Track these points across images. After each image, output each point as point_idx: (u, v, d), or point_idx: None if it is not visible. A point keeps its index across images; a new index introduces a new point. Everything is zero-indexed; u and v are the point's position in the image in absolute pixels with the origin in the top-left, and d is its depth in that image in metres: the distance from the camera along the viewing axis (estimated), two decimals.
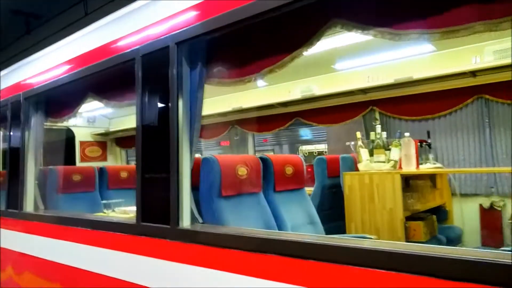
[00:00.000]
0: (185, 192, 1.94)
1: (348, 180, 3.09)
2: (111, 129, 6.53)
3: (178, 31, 1.94)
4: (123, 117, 6.60)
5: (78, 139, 6.46)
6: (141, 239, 2.05)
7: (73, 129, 6.41)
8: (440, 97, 3.64)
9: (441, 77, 3.36)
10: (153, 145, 2.06)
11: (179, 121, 1.93)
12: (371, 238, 2.46)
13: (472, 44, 3.35)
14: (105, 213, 3.38)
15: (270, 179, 2.43)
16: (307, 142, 8.79)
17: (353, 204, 3.07)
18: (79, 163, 6.35)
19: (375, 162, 3.06)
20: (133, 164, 7.13)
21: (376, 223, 2.95)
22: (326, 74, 4.31)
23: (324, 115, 4.43)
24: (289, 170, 2.55)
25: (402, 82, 3.49)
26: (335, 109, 4.31)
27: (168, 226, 1.92)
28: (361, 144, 3.19)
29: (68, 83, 2.71)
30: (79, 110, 3.03)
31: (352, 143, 3.29)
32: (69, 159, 6.19)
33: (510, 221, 3.16)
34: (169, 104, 1.95)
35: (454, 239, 3.33)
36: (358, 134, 3.26)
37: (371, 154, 3.13)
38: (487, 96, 3.44)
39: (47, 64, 3.06)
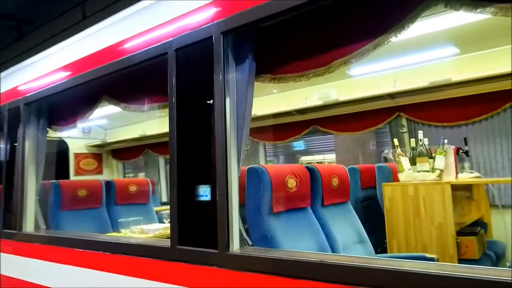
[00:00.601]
0: (235, 209, 1.62)
1: (388, 192, 2.80)
2: (108, 140, 6.16)
3: (224, 18, 1.64)
4: (120, 127, 6.25)
5: (72, 151, 6.06)
6: (178, 266, 1.71)
7: (67, 140, 6.02)
8: (475, 101, 3.42)
9: (481, 80, 3.13)
10: (193, 153, 1.74)
11: (227, 125, 1.62)
12: (433, 259, 2.16)
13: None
14: (121, 232, 3.00)
15: (318, 191, 2.13)
16: (308, 152, 8.51)
17: (395, 219, 2.77)
18: (73, 177, 5.95)
19: (418, 171, 2.78)
20: (130, 177, 6.75)
21: (423, 239, 2.66)
22: (341, 80, 4.06)
23: (344, 123, 4.16)
24: (335, 181, 2.25)
25: (437, 86, 3.25)
26: (356, 116, 4.05)
27: (216, 251, 1.59)
28: (400, 152, 2.91)
29: (78, 86, 2.38)
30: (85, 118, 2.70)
31: (391, 151, 3.01)
32: (62, 172, 5.79)
33: None
34: (214, 106, 1.64)
35: (500, 255, 3.06)
36: (396, 142, 2.99)
37: (412, 163, 2.85)
38: None
39: (50, 66, 2.71)
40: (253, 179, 1.80)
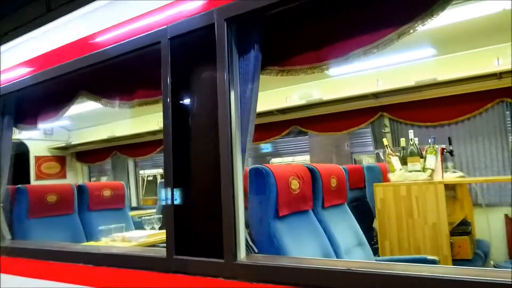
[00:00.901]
0: (241, 213, 1.48)
1: (380, 192, 2.73)
2: (72, 142, 5.80)
3: (228, 3, 1.49)
4: (84, 129, 5.91)
5: (33, 153, 5.67)
6: (177, 278, 1.54)
7: (27, 142, 5.61)
8: (459, 101, 3.44)
9: (466, 79, 3.15)
10: (193, 152, 1.57)
11: (232, 121, 1.47)
12: (434, 260, 2.10)
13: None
14: (100, 241, 2.74)
15: (319, 193, 2.01)
16: (277, 154, 8.42)
17: (387, 220, 2.71)
18: (33, 181, 5.55)
19: (410, 171, 2.73)
20: (95, 181, 6.40)
21: (416, 240, 2.60)
22: (323, 80, 4.00)
23: (326, 123, 4.10)
24: (334, 182, 2.15)
25: (422, 85, 3.24)
26: (339, 116, 4.00)
27: (222, 260, 1.43)
28: (391, 151, 2.86)
29: (52, 79, 2.14)
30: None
31: (381, 150, 2.95)
32: (21, 177, 5.38)
33: None
34: (218, 99, 1.48)
35: (486, 254, 3.07)
36: (385, 141, 2.93)
37: (403, 163, 2.80)
38: (509, 100, 3.27)
39: (18, 58, 2.45)
40: (257, 180, 1.66)
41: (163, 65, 1.65)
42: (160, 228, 2.98)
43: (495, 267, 3.08)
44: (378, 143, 3.89)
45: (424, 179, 2.68)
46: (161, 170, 6.77)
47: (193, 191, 1.57)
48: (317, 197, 2.00)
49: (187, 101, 1.62)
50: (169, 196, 1.59)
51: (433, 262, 2.11)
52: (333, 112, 3.97)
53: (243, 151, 1.53)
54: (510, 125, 3.39)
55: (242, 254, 1.46)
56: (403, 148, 2.85)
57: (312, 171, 1.98)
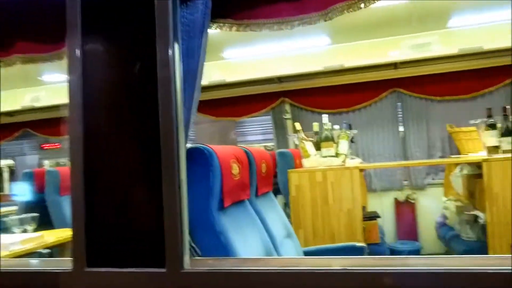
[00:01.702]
0: (186, 209, 1.13)
1: (295, 179, 2.60)
2: None
3: None
4: None
5: None
6: None
7: None
8: (357, 89, 3.54)
9: (369, 67, 3.23)
10: (116, 126, 1.15)
11: (177, 87, 1.10)
12: (363, 248, 2.03)
13: (390, 37, 3.32)
14: None
15: (254, 179, 1.75)
16: None
17: (301, 207, 2.60)
18: None
19: (324, 156, 2.65)
20: None
21: (332, 227, 2.55)
22: (220, 61, 3.75)
23: (224, 107, 3.85)
24: (264, 167, 1.90)
25: (330, 71, 3.22)
26: (239, 100, 3.79)
27: (163, 270, 1.07)
28: (304, 136, 2.74)
29: None
30: None
31: (296, 135, 2.81)
32: None
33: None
34: (157, 60, 1.09)
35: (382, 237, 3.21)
36: (298, 126, 2.81)
37: (317, 148, 2.71)
38: (402, 90, 3.48)
39: None
40: (199, 164, 1.31)
41: (70, 10, 1.17)
42: (35, 230, 2.35)
43: (389, 248, 3.26)
44: (278, 129, 3.80)
45: (339, 164, 2.64)
46: (9, 161, 5.68)
47: (117, 177, 1.15)
48: (253, 184, 1.74)
49: (111, 65, 1.18)
50: (79, 189, 1.14)
51: (361, 249, 2.04)
52: (234, 95, 3.73)
53: (187, 126, 1.18)
54: (401, 115, 3.61)
55: (187, 260, 1.12)
56: (316, 133, 2.77)
57: (247, 154, 1.70)
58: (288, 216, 2.55)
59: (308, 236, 2.59)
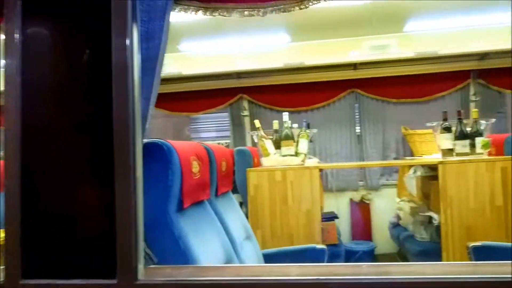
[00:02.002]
0: (141, 211, 1.00)
1: (254, 178, 2.52)
2: None
3: None
4: None
5: None
6: None
7: None
8: (317, 89, 3.51)
9: (329, 67, 3.21)
10: (66, 123, 1.00)
11: (134, 74, 0.98)
12: (323, 250, 1.98)
13: (351, 37, 3.33)
14: None
15: (214, 178, 1.64)
16: None
17: (259, 207, 2.52)
18: None
19: (283, 155, 2.59)
20: None
21: (290, 228, 2.49)
22: (177, 54, 3.59)
23: (180, 102, 3.69)
24: (224, 165, 1.80)
25: (290, 68, 3.16)
26: (196, 95, 3.65)
27: (113, 281, 0.94)
28: (264, 134, 2.67)
29: None
30: None
31: (255, 133, 2.72)
32: None
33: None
34: (112, 43, 0.96)
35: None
36: (258, 123, 2.72)
37: (276, 147, 2.65)
38: (359, 91, 3.49)
39: None
40: (156, 160, 1.18)
41: None
42: None
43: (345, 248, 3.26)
44: (235, 126, 3.70)
45: (298, 164, 2.59)
46: None
47: (60, 174, 1.00)
48: (213, 184, 1.63)
49: (49, 37, 1.02)
50: (14, 181, 0.98)
51: (322, 251, 1.99)
52: (190, 90, 3.59)
53: (144, 118, 1.06)
54: (358, 116, 3.64)
55: (142, 269, 0.99)
56: (276, 131, 2.70)
57: (208, 151, 1.59)
58: (246, 215, 2.46)
59: (266, 237, 2.52)
